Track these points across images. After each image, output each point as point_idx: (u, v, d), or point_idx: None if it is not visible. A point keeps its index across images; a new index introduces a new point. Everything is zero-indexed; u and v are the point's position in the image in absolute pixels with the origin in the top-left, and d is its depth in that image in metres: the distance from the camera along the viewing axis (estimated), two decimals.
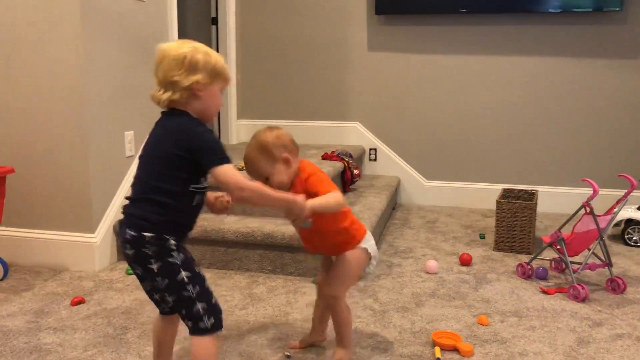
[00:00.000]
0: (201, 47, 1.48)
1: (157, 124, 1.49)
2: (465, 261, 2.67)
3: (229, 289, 2.37)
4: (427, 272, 2.57)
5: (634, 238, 2.96)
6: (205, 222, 2.66)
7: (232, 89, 3.98)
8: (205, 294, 1.47)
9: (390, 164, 3.95)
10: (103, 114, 2.61)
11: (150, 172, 1.45)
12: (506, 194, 3.05)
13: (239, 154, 3.45)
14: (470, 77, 3.73)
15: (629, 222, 2.97)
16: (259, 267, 2.58)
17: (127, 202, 1.49)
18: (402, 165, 3.93)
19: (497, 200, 2.87)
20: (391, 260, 2.74)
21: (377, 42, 3.84)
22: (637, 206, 3.02)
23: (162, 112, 1.49)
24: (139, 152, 1.51)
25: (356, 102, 3.94)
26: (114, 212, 2.69)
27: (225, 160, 1.42)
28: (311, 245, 1.79)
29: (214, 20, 3.94)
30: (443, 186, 3.87)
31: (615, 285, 2.34)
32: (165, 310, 1.58)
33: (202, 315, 1.45)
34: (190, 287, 1.44)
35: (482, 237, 3.10)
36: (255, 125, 4.14)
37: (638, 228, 2.94)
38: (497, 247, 2.89)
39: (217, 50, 3.92)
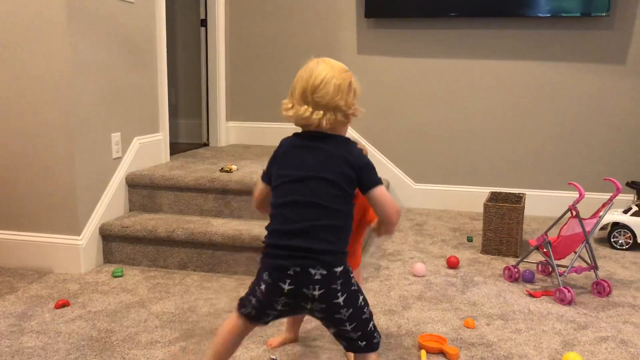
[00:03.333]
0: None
1: (308, 145, 1.44)
2: (453, 264, 2.68)
3: (215, 292, 2.36)
4: (415, 275, 2.57)
5: (620, 241, 2.98)
6: (192, 224, 2.65)
7: (222, 91, 3.97)
8: (370, 311, 1.48)
9: (379, 166, 3.92)
10: (90, 115, 2.59)
11: (322, 196, 1.38)
12: (494, 197, 3.06)
13: (227, 157, 3.46)
14: (459, 80, 3.74)
15: (615, 225, 2.99)
16: (246, 270, 2.56)
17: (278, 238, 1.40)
18: (391, 168, 3.93)
19: (484, 204, 2.88)
20: (379, 263, 2.74)
21: (367, 45, 3.84)
22: (623, 209, 3.04)
23: (307, 133, 1.46)
24: (285, 176, 1.43)
25: None
26: (99, 214, 2.67)
27: (381, 181, 1.44)
28: None
29: (203, 22, 3.93)
30: (432, 189, 3.87)
31: (601, 289, 2.36)
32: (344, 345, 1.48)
33: (374, 332, 1.46)
34: (366, 309, 1.45)
35: (470, 239, 3.11)
36: (245, 128, 4.14)
37: (624, 231, 2.96)
38: (485, 250, 2.90)
39: (207, 52, 3.93)
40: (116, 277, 2.52)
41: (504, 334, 2.00)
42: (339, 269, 1.38)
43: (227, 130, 4.07)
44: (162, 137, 3.22)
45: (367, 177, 1.42)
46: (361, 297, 1.45)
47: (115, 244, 2.69)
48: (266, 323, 1.51)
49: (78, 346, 1.89)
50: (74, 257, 2.55)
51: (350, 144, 1.46)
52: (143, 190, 2.89)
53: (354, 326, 1.42)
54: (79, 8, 2.47)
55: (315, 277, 1.36)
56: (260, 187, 1.56)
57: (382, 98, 3.87)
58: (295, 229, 1.38)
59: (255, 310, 1.45)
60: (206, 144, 4.04)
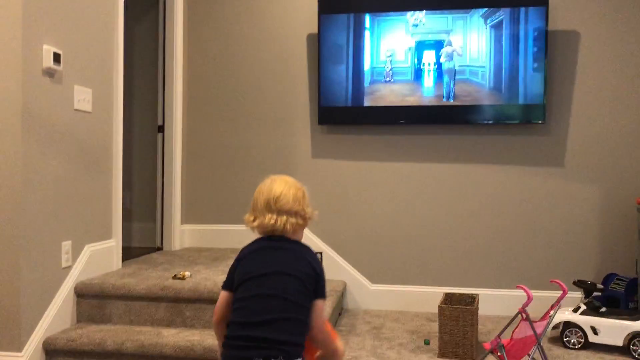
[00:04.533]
0: None
1: (274, 246, 1.58)
2: None
3: None
4: None
5: (572, 340, 3.02)
6: (142, 335, 2.56)
7: (177, 194, 3.98)
8: None
9: (336, 267, 3.96)
10: (39, 224, 2.55)
11: (285, 289, 1.49)
12: (448, 298, 3.09)
13: (181, 262, 3.41)
14: (410, 183, 3.88)
15: (567, 324, 3.04)
16: None
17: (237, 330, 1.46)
18: (348, 269, 3.94)
19: (439, 306, 2.90)
20: None
21: (321, 149, 3.98)
22: (573, 308, 3.10)
23: (271, 238, 1.60)
24: (250, 272, 1.54)
25: None
26: (44, 327, 2.56)
27: (325, 296, 1.58)
28: None
29: (160, 128, 4.02)
30: (388, 290, 3.89)
31: None
32: None
33: None
34: None
35: (427, 343, 3.09)
36: (200, 231, 4.13)
37: (575, 330, 3.01)
38: (442, 353, 2.89)
39: (163, 156, 3.99)
40: None
41: None
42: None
43: (181, 234, 4.04)
44: (114, 243, 3.18)
45: (321, 285, 1.57)
46: None
47: (60, 359, 2.56)
48: None
49: None
50: None
51: (312, 251, 1.63)
52: (92, 300, 2.80)
53: None
54: (35, 119, 2.51)
55: None
56: (222, 295, 1.61)
57: (337, 200, 3.96)
58: (259, 320, 1.46)
59: None
60: (160, 248, 3.99)
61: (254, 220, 1.61)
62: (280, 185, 1.61)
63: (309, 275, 1.53)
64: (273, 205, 1.59)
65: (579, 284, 3.16)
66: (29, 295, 2.48)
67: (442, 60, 3.70)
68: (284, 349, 1.42)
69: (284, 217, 1.58)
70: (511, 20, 3.62)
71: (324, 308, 1.53)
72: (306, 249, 1.62)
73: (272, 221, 1.58)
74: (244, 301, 1.50)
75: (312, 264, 1.56)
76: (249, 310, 1.48)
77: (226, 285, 1.61)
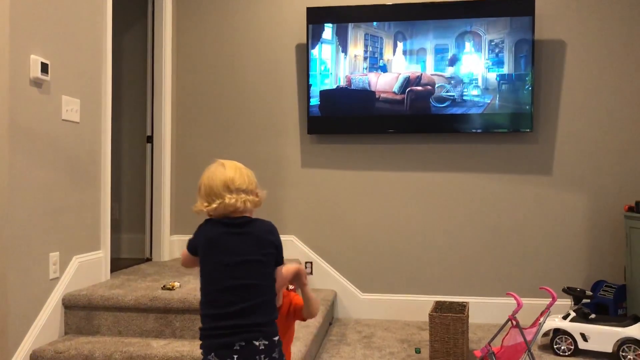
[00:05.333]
0: None
1: (237, 232, 1.62)
2: None
3: None
4: None
5: (562, 348, 3.03)
6: (131, 347, 2.54)
7: (166, 205, 3.97)
8: None
9: (326, 277, 3.95)
10: (26, 235, 2.53)
11: (253, 275, 1.58)
12: (438, 306, 3.09)
13: (170, 272, 3.39)
14: (400, 192, 3.89)
15: (557, 331, 3.05)
16: None
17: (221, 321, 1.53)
18: (338, 278, 3.94)
19: (429, 314, 2.91)
20: None
21: (310, 159, 3.99)
22: (562, 315, 3.12)
23: (229, 220, 1.63)
24: (212, 263, 1.60)
25: (291, 216, 4.00)
26: (31, 339, 2.53)
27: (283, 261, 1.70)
28: None
29: (149, 139, 4.00)
30: (379, 299, 3.88)
31: None
32: None
33: None
34: None
35: (418, 351, 3.09)
36: None
37: (565, 337, 3.02)
38: None
39: (152, 167, 3.97)
40: None
41: None
42: (276, 338, 1.57)
43: (170, 245, 4.02)
44: (102, 254, 3.15)
45: (281, 256, 1.69)
46: None
47: None
48: None
49: None
50: None
51: (267, 222, 1.69)
52: (80, 312, 2.77)
53: None
54: (22, 129, 2.49)
55: (260, 348, 1.52)
56: (188, 256, 1.70)
57: (326, 209, 3.96)
58: (235, 310, 1.54)
59: None
60: (149, 259, 3.96)
61: (209, 205, 1.63)
62: (231, 168, 1.69)
63: (272, 255, 1.64)
64: (231, 186, 1.64)
65: (568, 291, 3.18)
66: (16, 307, 2.45)
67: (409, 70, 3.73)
68: (262, 330, 1.54)
69: (243, 196, 1.64)
70: (498, 30, 3.66)
71: (284, 270, 1.70)
72: (265, 226, 1.67)
73: (233, 200, 1.62)
74: (218, 294, 1.57)
75: (273, 242, 1.65)
76: (224, 302, 1.55)
77: (191, 250, 1.69)
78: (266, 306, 1.58)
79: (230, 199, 1.62)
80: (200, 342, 1.59)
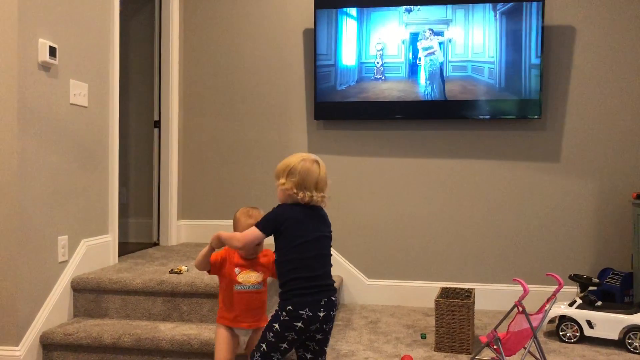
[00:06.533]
0: None
1: (312, 214, 2.04)
2: None
3: None
4: None
5: (568, 334, 3.03)
6: (139, 330, 2.56)
7: (174, 190, 3.98)
8: None
9: (333, 262, 3.95)
10: (36, 218, 2.54)
11: (327, 247, 2.06)
12: (444, 292, 3.10)
13: (177, 257, 3.41)
14: (406, 178, 3.89)
15: (562, 318, 3.05)
16: None
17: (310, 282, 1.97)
18: (344, 264, 3.95)
19: (435, 300, 2.91)
20: None
21: (317, 144, 3.98)
22: (568, 302, 3.12)
23: (305, 205, 2.03)
24: (303, 237, 1.99)
25: None
26: (41, 321, 2.56)
27: None
28: (249, 313, 2.18)
29: (157, 124, 4.01)
30: (384, 285, 3.90)
31: None
32: None
33: None
34: None
35: (424, 337, 3.10)
36: (196, 226, 4.12)
37: (571, 324, 3.02)
38: (438, 347, 2.90)
39: (159, 151, 3.98)
40: None
41: None
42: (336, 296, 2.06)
43: (178, 229, 4.04)
44: (110, 238, 3.17)
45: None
46: None
47: (57, 353, 2.56)
48: None
49: None
50: None
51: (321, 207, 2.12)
52: (89, 295, 2.80)
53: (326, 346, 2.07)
54: (31, 112, 2.50)
55: (335, 301, 2.02)
56: (257, 234, 2.01)
57: (332, 195, 3.93)
58: (321, 273, 2.00)
59: (282, 354, 1.98)
60: (156, 244, 3.99)
61: (297, 194, 2.00)
62: (323, 168, 2.08)
63: (331, 232, 2.11)
64: (319, 185, 2.04)
65: (575, 278, 3.17)
66: (25, 290, 2.48)
67: (420, 54, 3.70)
68: (334, 288, 2.03)
69: (321, 194, 2.05)
70: (509, 14, 3.63)
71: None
72: (322, 209, 2.11)
73: (319, 198, 2.04)
74: (310, 260, 1.98)
75: (330, 224, 2.12)
76: (314, 267, 1.98)
77: (265, 230, 2.01)
78: (330, 271, 2.06)
79: (317, 196, 2.03)
80: (284, 303, 1.96)
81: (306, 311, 1.93)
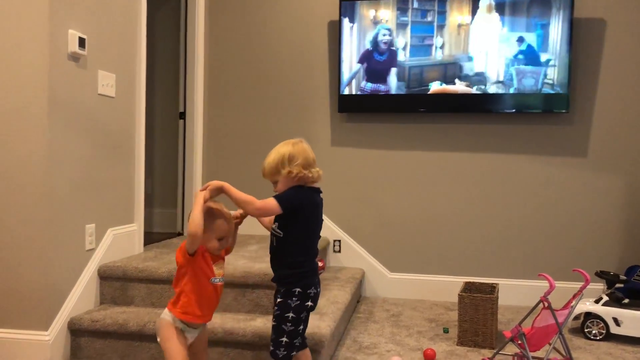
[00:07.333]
0: None
1: (317, 198, 2.06)
2: (429, 357, 2.65)
3: None
4: None
5: (593, 331, 2.99)
6: None
7: (198, 180, 4.01)
8: None
9: (355, 255, 3.97)
10: (65, 207, 2.59)
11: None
12: (468, 287, 3.08)
13: None
14: (430, 172, 3.86)
15: (588, 315, 3.01)
16: None
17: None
18: (366, 257, 3.95)
19: (459, 294, 2.90)
20: (355, 357, 2.70)
21: (340, 138, 3.98)
22: (594, 299, 3.08)
23: (312, 188, 2.05)
24: (316, 223, 2.07)
25: None
26: (69, 308, 2.60)
27: None
28: (210, 307, 2.07)
29: (182, 115, 4.04)
30: (407, 278, 3.88)
31: None
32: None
33: None
34: None
35: (446, 331, 3.09)
36: None
37: (597, 321, 2.98)
38: (461, 341, 2.88)
39: (184, 143, 4.02)
40: None
41: None
42: None
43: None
44: (136, 227, 3.21)
45: None
46: None
47: (84, 339, 2.61)
48: None
49: None
50: (40, 354, 2.45)
51: None
52: (115, 283, 2.84)
53: None
54: (61, 103, 2.54)
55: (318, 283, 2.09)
56: (276, 210, 1.95)
57: (356, 188, 3.96)
58: (316, 255, 2.09)
59: (302, 336, 2.05)
60: (180, 234, 4.03)
61: (308, 173, 1.99)
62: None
63: None
64: (315, 161, 2.05)
65: (602, 275, 3.13)
66: (54, 277, 2.52)
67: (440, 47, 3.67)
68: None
69: (317, 169, 2.06)
70: (537, 6, 3.57)
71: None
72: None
73: (321, 172, 2.05)
74: (314, 245, 2.07)
75: None
76: (316, 250, 2.07)
77: (284, 208, 1.95)
78: None
79: (318, 170, 2.03)
80: (290, 287, 1.99)
81: (312, 289, 2.01)
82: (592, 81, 3.65)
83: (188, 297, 1.98)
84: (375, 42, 3.79)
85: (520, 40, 3.60)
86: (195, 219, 1.89)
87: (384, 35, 3.77)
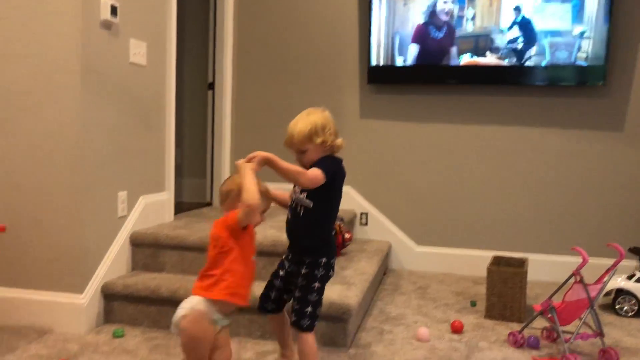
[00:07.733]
0: None
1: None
2: (457, 329, 2.65)
3: None
4: (419, 340, 2.54)
5: (625, 308, 2.95)
6: (192, 284, 2.63)
7: (226, 151, 4.03)
8: None
9: (381, 228, 3.96)
10: (98, 174, 2.63)
11: None
12: (496, 261, 3.06)
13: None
14: (460, 145, 3.81)
15: (619, 291, 2.97)
16: (247, 332, 2.54)
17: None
18: (393, 230, 3.94)
19: (487, 268, 2.88)
20: (382, 327, 2.71)
21: (369, 109, 3.94)
22: (627, 275, 3.03)
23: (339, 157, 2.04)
24: (342, 193, 2.07)
25: (347, 167, 3.94)
26: (102, 272, 2.66)
27: None
28: (250, 286, 1.93)
29: (211, 85, 4.05)
30: (434, 252, 3.87)
31: (609, 357, 2.32)
32: None
33: None
34: None
35: (474, 304, 3.08)
36: None
37: (628, 298, 2.94)
38: (489, 314, 2.88)
39: (213, 113, 4.03)
40: (117, 337, 2.49)
41: None
42: None
43: None
44: (167, 196, 3.25)
45: None
46: None
47: (117, 303, 2.67)
48: None
49: None
50: (75, 317, 2.53)
51: None
52: (147, 250, 2.89)
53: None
54: (93, 72, 2.56)
55: None
56: (322, 179, 1.88)
57: (384, 161, 3.93)
58: None
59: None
60: (209, 204, 4.07)
61: (338, 141, 2.01)
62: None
63: None
64: (333, 126, 2.04)
65: (635, 251, 3.07)
66: (88, 242, 2.58)
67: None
68: None
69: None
70: None
71: None
72: None
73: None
74: (337, 211, 2.09)
75: None
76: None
77: (328, 178, 1.89)
78: None
79: (342, 140, 2.03)
80: (321, 258, 1.97)
81: (334, 259, 2.03)
82: (631, 53, 3.53)
83: (235, 276, 1.79)
84: (431, 14, 3.69)
85: (554, 11, 3.49)
86: (251, 190, 1.74)
87: (445, 2, 3.66)
